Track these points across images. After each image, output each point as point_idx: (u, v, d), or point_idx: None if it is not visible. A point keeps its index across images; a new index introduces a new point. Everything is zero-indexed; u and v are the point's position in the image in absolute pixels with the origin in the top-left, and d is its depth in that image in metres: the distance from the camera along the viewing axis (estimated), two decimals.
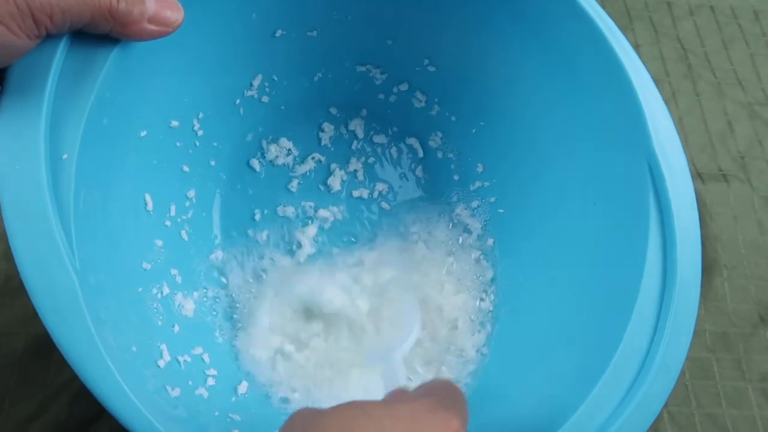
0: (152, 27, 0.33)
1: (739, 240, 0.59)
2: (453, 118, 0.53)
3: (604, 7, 0.67)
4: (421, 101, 0.53)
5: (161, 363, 0.37)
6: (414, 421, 0.25)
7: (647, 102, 0.40)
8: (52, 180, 0.30)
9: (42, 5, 0.28)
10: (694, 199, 0.38)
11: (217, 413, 0.39)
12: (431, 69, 0.51)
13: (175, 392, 0.36)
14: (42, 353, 0.47)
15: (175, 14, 0.34)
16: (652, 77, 0.64)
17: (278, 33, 0.47)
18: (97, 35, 0.33)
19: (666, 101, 0.63)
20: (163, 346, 0.38)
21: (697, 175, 0.62)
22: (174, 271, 0.44)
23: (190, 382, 0.39)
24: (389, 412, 0.26)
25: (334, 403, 0.27)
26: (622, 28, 0.66)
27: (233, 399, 0.42)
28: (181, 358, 0.40)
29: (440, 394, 0.29)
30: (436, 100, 0.53)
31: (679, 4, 0.71)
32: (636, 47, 0.66)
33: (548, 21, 0.43)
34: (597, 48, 0.41)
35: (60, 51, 0.32)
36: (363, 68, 0.52)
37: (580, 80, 0.43)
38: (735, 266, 0.58)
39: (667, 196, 0.38)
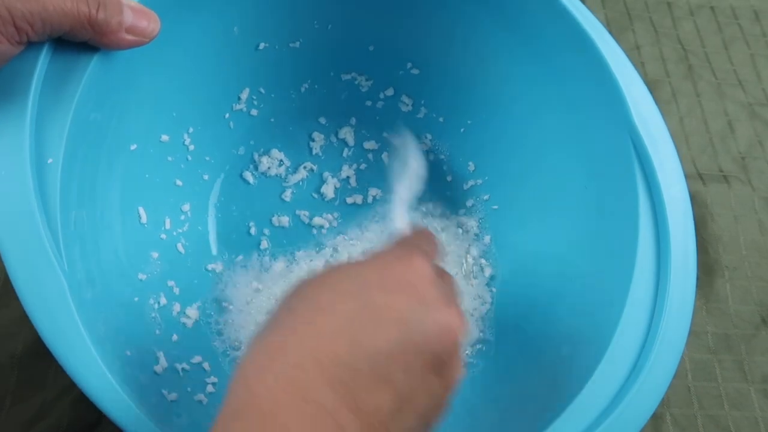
0: (129, 37, 0.35)
1: (740, 241, 0.59)
2: (440, 119, 0.53)
3: (604, 7, 0.68)
4: (407, 105, 0.54)
5: (158, 369, 0.38)
6: (383, 266, 0.30)
7: (625, 81, 0.40)
8: (38, 183, 0.31)
9: (23, 14, 0.30)
10: (680, 168, 0.39)
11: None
12: (415, 72, 0.52)
13: (172, 396, 0.37)
14: (42, 354, 0.47)
15: (151, 25, 0.35)
16: (652, 78, 0.64)
17: (261, 46, 0.48)
18: (79, 42, 0.34)
19: (666, 102, 0.64)
20: (160, 354, 0.39)
21: (698, 176, 0.61)
22: (171, 283, 0.45)
23: (189, 389, 0.40)
24: (361, 265, 0.30)
25: None
26: (623, 29, 0.67)
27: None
28: (179, 366, 0.40)
29: (409, 242, 0.35)
30: (423, 102, 0.53)
31: (679, 4, 0.71)
32: (636, 48, 0.66)
33: (525, 14, 0.44)
34: (573, 35, 0.42)
35: (43, 56, 0.32)
36: (348, 76, 0.53)
37: (560, 69, 0.44)
38: (736, 267, 0.57)
39: (652, 170, 0.38)
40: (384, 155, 0.54)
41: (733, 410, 0.52)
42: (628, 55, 0.41)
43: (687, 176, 0.39)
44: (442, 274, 0.33)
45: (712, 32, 0.70)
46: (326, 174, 0.53)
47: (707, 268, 0.57)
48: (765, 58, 0.68)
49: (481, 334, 0.48)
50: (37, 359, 0.47)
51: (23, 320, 0.47)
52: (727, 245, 0.58)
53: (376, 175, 0.54)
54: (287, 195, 0.52)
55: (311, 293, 0.29)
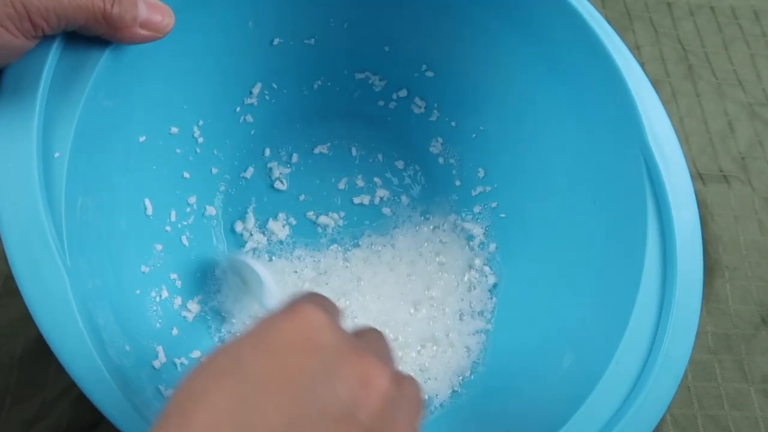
0: (143, 31, 0.34)
1: (740, 241, 0.59)
2: (453, 124, 0.53)
3: (604, 7, 0.68)
4: (420, 107, 0.53)
5: (156, 364, 0.38)
6: (263, 328, 0.24)
7: (641, 99, 0.40)
8: (44, 177, 0.31)
9: (38, 9, 0.30)
10: (692, 191, 0.38)
11: None
12: (429, 74, 0.52)
13: (169, 393, 0.36)
14: (42, 354, 0.47)
15: (166, 20, 0.35)
16: (652, 78, 0.64)
17: (276, 41, 0.48)
18: (91, 36, 0.34)
19: (666, 102, 0.64)
20: (159, 348, 0.39)
21: (698, 176, 0.61)
22: (174, 276, 0.44)
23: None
24: (240, 335, 0.25)
25: None
26: (623, 29, 0.67)
27: None
28: (177, 361, 0.40)
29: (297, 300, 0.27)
30: (436, 105, 0.53)
31: (679, 4, 0.71)
32: (636, 48, 0.66)
33: (543, 24, 0.43)
34: (591, 49, 0.41)
35: (54, 50, 0.32)
36: (362, 75, 0.53)
37: (575, 81, 0.43)
38: (736, 267, 0.58)
39: (663, 190, 0.38)
40: (393, 156, 0.54)
41: (733, 410, 0.52)
42: (642, 68, 0.41)
43: None
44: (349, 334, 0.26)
45: (712, 32, 0.70)
46: (334, 172, 0.53)
47: (707, 268, 0.57)
48: (765, 58, 0.69)
49: (480, 342, 0.48)
50: (38, 359, 0.47)
51: (24, 320, 0.47)
52: (727, 245, 0.59)
53: (384, 176, 0.53)
54: (294, 192, 0.52)
55: (184, 382, 0.23)
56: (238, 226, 0.50)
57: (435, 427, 0.43)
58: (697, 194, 0.59)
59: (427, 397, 0.45)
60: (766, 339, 0.55)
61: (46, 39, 0.32)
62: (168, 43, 0.36)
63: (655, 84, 0.64)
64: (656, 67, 0.67)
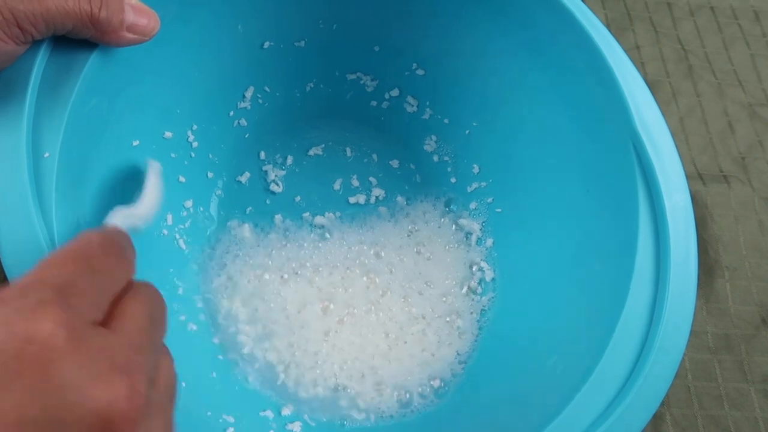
0: (129, 35, 0.35)
1: (740, 241, 0.59)
2: (446, 121, 0.53)
3: (604, 8, 0.68)
4: (413, 106, 0.54)
5: None
6: None
7: (627, 86, 0.40)
8: (34, 178, 0.31)
9: (26, 15, 0.30)
10: (683, 175, 0.38)
11: (209, 413, 0.39)
12: (420, 73, 0.52)
13: None
14: None
15: (152, 23, 0.36)
16: (652, 78, 0.64)
17: (266, 44, 0.48)
18: (79, 39, 0.34)
19: (666, 102, 0.64)
20: None
21: (698, 176, 0.61)
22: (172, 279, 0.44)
23: (183, 384, 0.39)
24: None
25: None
26: (623, 29, 0.67)
27: (227, 399, 0.43)
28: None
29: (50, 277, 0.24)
30: (428, 103, 0.53)
31: (679, 4, 0.71)
32: (636, 48, 0.66)
33: (528, 16, 0.43)
34: (578, 39, 0.41)
35: (42, 52, 0.33)
36: (353, 76, 0.53)
37: (563, 72, 0.43)
38: (736, 268, 0.58)
39: (654, 175, 0.38)
40: (388, 155, 0.54)
41: (733, 410, 0.52)
42: (628, 56, 0.41)
43: (687, 176, 0.39)
44: (114, 319, 0.24)
45: (712, 32, 0.70)
46: (330, 173, 0.53)
47: (707, 269, 0.57)
48: (765, 58, 0.68)
49: (476, 338, 0.48)
50: None
51: None
52: (727, 245, 0.58)
53: (379, 176, 0.54)
54: (290, 194, 0.52)
55: None
56: (235, 228, 0.50)
57: (421, 424, 0.44)
58: (697, 194, 0.59)
59: (410, 394, 0.45)
60: (766, 339, 0.55)
61: (35, 42, 0.33)
62: (157, 48, 0.37)
63: (655, 84, 0.65)
64: (656, 67, 0.67)
